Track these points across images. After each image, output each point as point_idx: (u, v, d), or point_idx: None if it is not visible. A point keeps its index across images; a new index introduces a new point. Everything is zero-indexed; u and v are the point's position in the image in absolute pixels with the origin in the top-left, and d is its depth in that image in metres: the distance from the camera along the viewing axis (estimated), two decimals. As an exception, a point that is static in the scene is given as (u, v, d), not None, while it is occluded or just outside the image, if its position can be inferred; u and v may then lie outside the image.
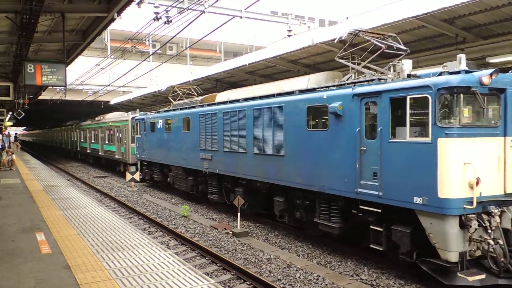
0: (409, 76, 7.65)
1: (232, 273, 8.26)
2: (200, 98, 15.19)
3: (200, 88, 18.37)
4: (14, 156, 21.79)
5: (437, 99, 6.56)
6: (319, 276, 7.98)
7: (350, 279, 7.94)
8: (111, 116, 29.40)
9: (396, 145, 7.24)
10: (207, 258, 9.27)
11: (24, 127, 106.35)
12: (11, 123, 39.92)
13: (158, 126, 17.69)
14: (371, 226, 7.92)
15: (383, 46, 8.44)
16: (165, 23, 13.37)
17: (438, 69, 7.18)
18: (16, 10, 9.58)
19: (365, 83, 8.18)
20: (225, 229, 11.79)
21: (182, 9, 13.82)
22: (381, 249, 7.78)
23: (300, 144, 9.42)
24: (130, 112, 25.60)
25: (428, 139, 6.71)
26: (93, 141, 32.39)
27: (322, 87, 9.20)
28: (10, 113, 31.52)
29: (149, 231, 11.89)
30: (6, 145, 22.63)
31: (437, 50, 11.17)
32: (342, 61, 9.09)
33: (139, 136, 20.18)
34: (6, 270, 5.81)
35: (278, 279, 7.90)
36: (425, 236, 6.96)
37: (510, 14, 8.94)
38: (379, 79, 8.03)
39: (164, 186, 19.53)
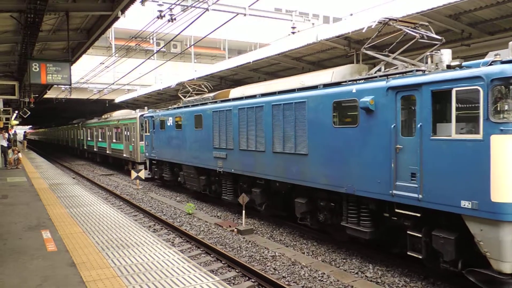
0: (448, 67, 6.91)
1: (237, 271, 8.27)
2: (212, 94, 14.68)
3: (204, 86, 18.18)
4: (20, 155, 21.92)
5: (490, 91, 5.89)
6: (324, 273, 7.97)
7: (355, 276, 7.92)
8: (118, 114, 28.88)
9: (439, 143, 6.58)
10: (212, 255, 9.29)
11: (30, 126, 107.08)
12: (17, 122, 40.19)
13: (168, 124, 17.13)
14: (408, 232, 7.22)
15: (417, 35, 7.82)
16: (169, 21, 13.38)
17: (489, 58, 6.44)
18: (20, 9, 9.61)
19: (401, 75, 7.45)
20: (230, 226, 11.81)
21: (185, 7, 13.81)
22: (420, 257, 7.11)
23: (325, 142, 8.78)
24: (138, 110, 25.14)
25: (479, 136, 6.05)
26: (100, 139, 31.87)
27: (350, 81, 8.47)
28: (16, 112, 31.74)
29: (154, 229, 11.93)
30: (6, 143, 22.55)
31: (442, 46, 11.06)
32: (369, 53, 8.36)
33: (148, 134, 19.66)
34: (12, 267, 5.86)
35: (283, 277, 7.90)
36: (473, 244, 6.32)
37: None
38: (417, 71, 7.33)
39: (170, 185, 19.44)
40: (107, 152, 29.72)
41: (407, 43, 8.25)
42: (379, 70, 8.48)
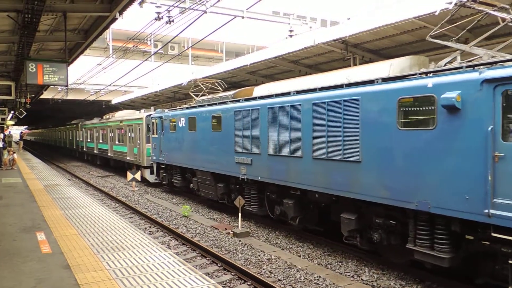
0: None
1: (232, 274, 8.24)
2: (231, 92, 13.36)
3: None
4: (15, 155, 21.80)
5: None
6: (320, 276, 7.96)
7: (351, 279, 7.91)
8: (121, 114, 27.48)
9: None
10: (207, 258, 9.26)
11: (26, 126, 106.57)
12: (12, 122, 40.01)
13: (180, 125, 15.67)
14: (510, 261, 5.89)
15: (507, 18, 6.65)
16: (166, 23, 13.37)
17: None
18: (18, 9, 9.60)
19: (500, 65, 6.11)
20: (226, 229, 11.78)
21: (183, 9, 13.81)
22: None
23: (386, 147, 7.34)
24: (143, 110, 23.83)
25: None
26: (101, 141, 30.17)
27: (422, 73, 7.05)
28: (12, 112, 31.61)
29: (149, 231, 11.88)
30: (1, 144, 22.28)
31: (438, 50, 11.14)
32: (437, 41, 7.34)
33: (156, 136, 18.25)
34: (6, 269, 5.81)
35: (279, 280, 7.89)
36: None
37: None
38: None
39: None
40: (109, 154, 28.11)
41: (487, 28, 7.13)
42: (450, 62, 7.16)
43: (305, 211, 10.21)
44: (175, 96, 26.68)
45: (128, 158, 23.69)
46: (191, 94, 17.23)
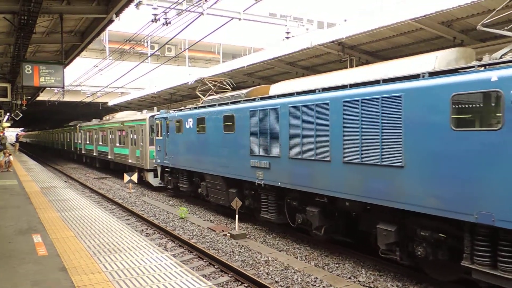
0: None
1: (229, 275, 8.24)
2: (244, 91, 12.56)
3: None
4: (11, 158, 21.71)
5: None
6: (317, 278, 7.97)
7: (348, 281, 7.92)
8: (122, 116, 26.70)
9: None
10: (204, 260, 9.25)
11: (22, 128, 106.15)
12: (8, 124, 39.85)
13: (187, 126, 14.82)
14: None
15: None
16: (163, 24, 13.38)
17: None
18: (14, 11, 9.58)
19: None
20: (223, 231, 11.77)
21: (180, 11, 13.82)
22: None
23: (436, 151, 6.50)
24: (145, 111, 23.03)
25: None
26: (100, 143, 29.21)
27: (482, 65, 6.16)
28: (8, 114, 31.48)
29: (146, 233, 11.86)
30: None
31: (436, 51, 11.20)
32: (491, 30, 6.86)
33: (161, 138, 17.34)
34: (2, 272, 5.78)
35: (276, 281, 7.89)
36: None
37: (509, 17, 8.96)
38: None
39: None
40: (109, 157, 27.12)
41: None
42: (505, 54, 6.47)
43: (331, 220, 9.32)
44: (172, 98, 26.66)
45: (130, 161, 22.84)
46: (198, 93, 16.46)
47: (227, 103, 12.53)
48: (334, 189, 8.44)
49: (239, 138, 11.65)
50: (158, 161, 17.88)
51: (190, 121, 14.60)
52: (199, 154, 14.02)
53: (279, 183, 10.09)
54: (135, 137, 21.93)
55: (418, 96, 6.81)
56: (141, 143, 20.83)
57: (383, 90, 7.39)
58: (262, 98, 10.89)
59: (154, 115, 19.47)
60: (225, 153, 12.38)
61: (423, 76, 6.86)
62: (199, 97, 16.32)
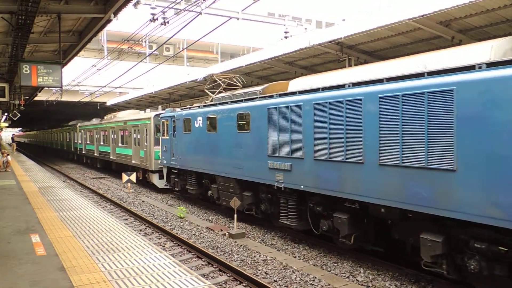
0: None
1: (228, 275, 8.24)
2: (259, 88, 11.73)
3: (197, 89, 17.64)
4: (9, 158, 21.67)
5: None
6: (315, 277, 7.98)
7: (346, 280, 7.94)
8: (125, 114, 26.04)
9: None
10: (203, 259, 9.25)
11: (20, 129, 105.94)
12: (6, 124, 39.76)
13: (196, 125, 14.08)
14: None
15: None
16: (161, 24, 13.36)
17: None
18: (11, 10, 9.57)
19: None
20: (221, 230, 11.77)
21: (178, 10, 13.81)
22: None
23: (501, 153, 5.71)
24: (149, 109, 22.62)
25: None
26: (102, 143, 28.43)
27: None
28: (6, 114, 31.41)
29: (145, 233, 11.85)
30: None
31: (432, 51, 11.22)
32: None
33: (167, 137, 16.64)
34: (0, 272, 5.77)
35: (274, 281, 7.89)
36: None
37: (506, 16, 8.99)
38: None
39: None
40: (111, 157, 26.33)
41: None
42: None
43: (361, 228, 8.55)
44: (171, 98, 26.64)
45: (133, 161, 22.05)
46: (207, 91, 15.64)
47: (241, 101, 11.80)
48: (368, 194, 7.66)
49: (255, 137, 10.92)
50: (164, 162, 17.14)
51: (200, 120, 13.86)
52: (210, 154, 13.25)
53: (302, 187, 9.30)
54: (138, 137, 21.20)
55: (475, 90, 6.02)
56: (145, 143, 20.11)
57: (429, 84, 6.60)
58: (281, 95, 10.14)
59: (160, 113, 18.69)
60: (239, 154, 11.61)
61: (479, 68, 6.10)
62: (198, 97, 16.28)
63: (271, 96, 10.45)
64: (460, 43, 10.25)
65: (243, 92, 12.32)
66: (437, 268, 6.91)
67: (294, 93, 9.68)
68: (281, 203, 10.38)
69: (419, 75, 6.89)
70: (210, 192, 14.08)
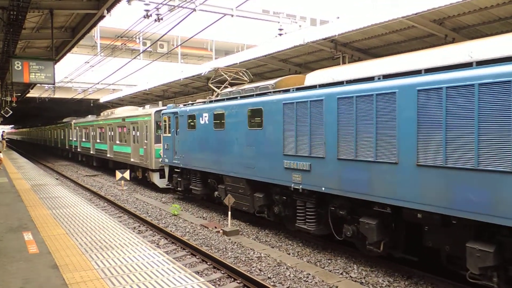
0: None
1: (222, 272, 8.25)
2: (272, 81, 10.94)
3: (191, 86, 17.63)
4: (1, 155, 21.46)
5: None
6: (309, 274, 8.02)
7: (340, 277, 7.98)
8: (123, 111, 25.22)
9: None
10: (197, 257, 9.25)
11: (12, 125, 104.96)
12: (-2, 121, 39.40)
13: (201, 122, 13.27)
14: None
15: None
16: (155, 20, 13.30)
17: None
18: (3, 6, 9.47)
19: None
20: (215, 227, 11.78)
21: (172, 7, 13.75)
22: None
23: None
24: (148, 106, 21.66)
25: None
26: (98, 140, 27.52)
27: None
28: (-2, 111, 31.10)
29: (138, 230, 11.82)
30: None
31: (427, 49, 11.29)
32: None
33: (169, 135, 15.83)
34: (-8, 270, 5.73)
35: (268, 277, 7.92)
36: None
37: (499, 15, 9.06)
38: None
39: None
40: (108, 155, 25.42)
41: None
42: None
43: (391, 234, 7.84)
44: (165, 95, 26.54)
45: (132, 159, 21.19)
46: (211, 86, 14.98)
47: (252, 95, 11.01)
48: (403, 198, 6.96)
49: (268, 135, 10.15)
50: (166, 160, 16.22)
51: (206, 116, 13.02)
52: (217, 153, 12.44)
53: (323, 189, 8.55)
54: (138, 134, 20.25)
55: None
56: (145, 141, 19.22)
57: (480, 75, 5.91)
58: (298, 89, 9.34)
59: (160, 110, 17.90)
60: (250, 153, 10.85)
61: None
62: (192, 94, 16.24)
63: (287, 91, 9.68)
64: (453, 41, 10.32)
65: (253, 87, 11.59)
66: (485, 281, 6.20)
67: (313, 87, 8.88)
68: (298, 206, 9.62)
69: (466, 66, 6.18)
70: (216, 193, 13.35)
